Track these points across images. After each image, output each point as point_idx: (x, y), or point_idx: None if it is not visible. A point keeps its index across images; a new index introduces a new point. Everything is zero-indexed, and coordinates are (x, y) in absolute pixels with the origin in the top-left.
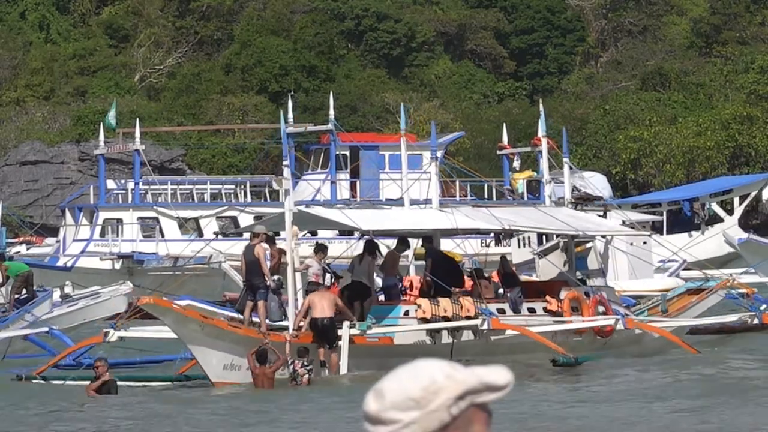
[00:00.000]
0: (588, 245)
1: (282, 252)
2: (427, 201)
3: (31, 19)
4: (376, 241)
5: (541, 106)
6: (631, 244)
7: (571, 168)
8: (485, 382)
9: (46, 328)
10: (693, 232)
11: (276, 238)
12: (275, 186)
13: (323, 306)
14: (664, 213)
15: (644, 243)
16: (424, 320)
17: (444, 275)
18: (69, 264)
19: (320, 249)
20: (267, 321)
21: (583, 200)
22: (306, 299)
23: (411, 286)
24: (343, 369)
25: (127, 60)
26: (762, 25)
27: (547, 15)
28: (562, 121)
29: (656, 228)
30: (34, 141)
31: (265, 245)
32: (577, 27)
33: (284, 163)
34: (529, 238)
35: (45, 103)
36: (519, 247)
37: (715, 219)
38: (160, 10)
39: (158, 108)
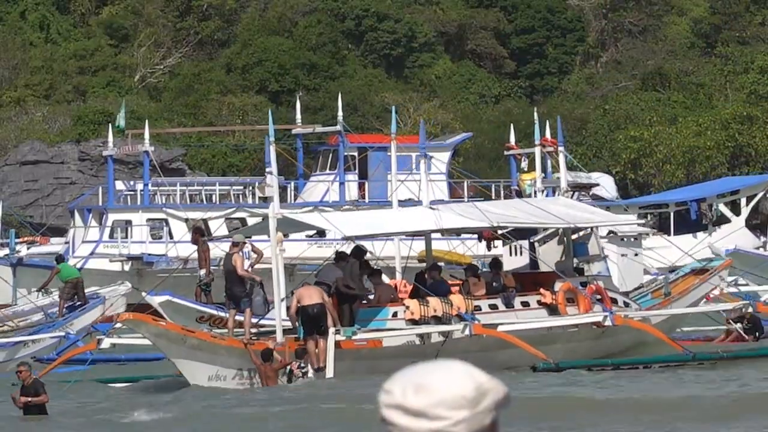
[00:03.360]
0: (588, 230)
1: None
2: (438, 202)
3: (31, 19)
4: (362, 246)
5: (535, 114)
6: (623, 255)
7: (566, 157)
8: (508, 395)
9: (63, 334)
10: (699, 234)
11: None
12: (258, 193)
13: (311, 295)
14: (671, 214)
15: (636, 255)
16: (413, 321)
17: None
18: (78, 266)
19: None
20: (253, 319)
21: (579, 188)
22: (294, 295)
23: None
24: (329, 373)
25: (127, 60)
26: (762, 25)
27: (547, 15)
28: (562, 121)
29: (663, 229)
30: (34, 141)
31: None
32: (577, 27)
33: (267, 169)
34: (521, 247)
35: (45, 103)
36: (510, 255)
37: (722, 220)
38: (161, 10)
39: (158, 108)
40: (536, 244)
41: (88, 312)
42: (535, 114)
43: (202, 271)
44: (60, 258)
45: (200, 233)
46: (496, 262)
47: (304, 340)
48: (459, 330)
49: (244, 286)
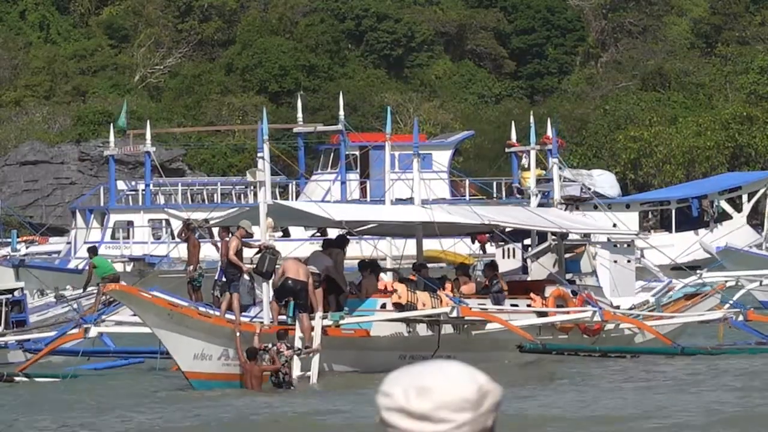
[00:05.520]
0: (581, 248)
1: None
2: (436, 201)
3: (31, 19)
4: (347, 236)
5: (531, 117)
6: (615, 261)
7: (560, 168)
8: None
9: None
10: (701, 230)
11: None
12: (249, 178)
13: (298, 271)
14: (673, 210)
15: (628, 261)
16: (399, 305)
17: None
18: (80, 266)
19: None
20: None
21: (573, 200)
22: (282, 265)
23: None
24: (313, 378)
25: (127, 60)
26: (762, 25)
27: (547, 15)
28: (562, 121)
29: (665, 226)
30: (34, 141)
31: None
32: (577, 27)
33: (259, 154)
34: (513, 250)
35: (45, 103)
36: (503, 257)
37: (723, 216)
38: (161, 11)
39: (158, 108)
40: (529, 260)
41: (121, 307)
42: (531, 117)
43: (190, 267)
44: (93, 250)
45: (190, 229)
46: (492, 265)
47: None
48: (447, 312)
49: (238, 269)
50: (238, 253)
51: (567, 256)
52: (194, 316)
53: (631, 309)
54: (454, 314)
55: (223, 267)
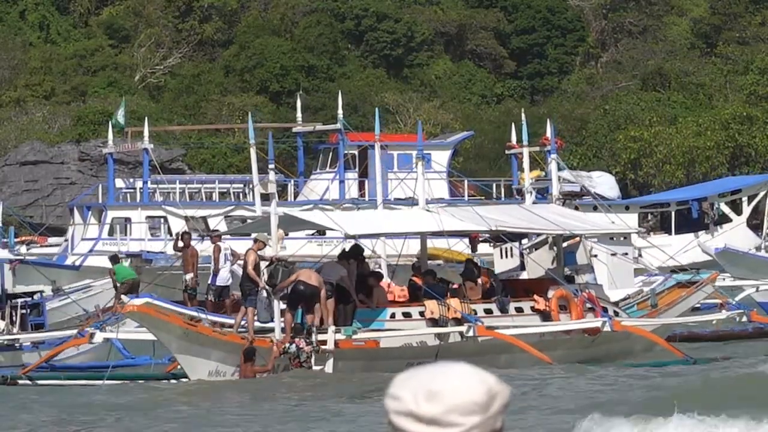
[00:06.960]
0: (577, 239)
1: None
2: (431, 201)
3: (31, 19)
4: (361, 245)
5: (523, 116)
6: (613, 254)
7: (558, 165)
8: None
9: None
10: (700, 233)
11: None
12: (260, 189)
13: (310, 277)
14: (673, 213)
15: (625, 254)
16: (433, 321)
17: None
18: (77, 263)
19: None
20: (256, 322)
21: (570, 196)
22: (295, 274)
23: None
24: (328, 368)
25: (127, 60)
26: (762, 25)
27: (547, 15)
28: (562, 121)
29: (664, 228)
30: (34, 141)
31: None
32: (577, 27)
33: (270, 166)
34: (511, 249)
35: (45, 103)
36: (501, 257)
37: (723, 219)
38: (161, 11)
39: (158, 108)
40: (525, 251)
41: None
42: (523, 116)
43: (188, 276)
44: (115, 258)
45: (188, 237)
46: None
47: (282, 312)
48: (464, 331)
49: (253, 283)
50: (256, 267)
51: (563, 245)
52: (209, 334)
53: (625, 299)
54: (471, 334)
55: (216, 273)
